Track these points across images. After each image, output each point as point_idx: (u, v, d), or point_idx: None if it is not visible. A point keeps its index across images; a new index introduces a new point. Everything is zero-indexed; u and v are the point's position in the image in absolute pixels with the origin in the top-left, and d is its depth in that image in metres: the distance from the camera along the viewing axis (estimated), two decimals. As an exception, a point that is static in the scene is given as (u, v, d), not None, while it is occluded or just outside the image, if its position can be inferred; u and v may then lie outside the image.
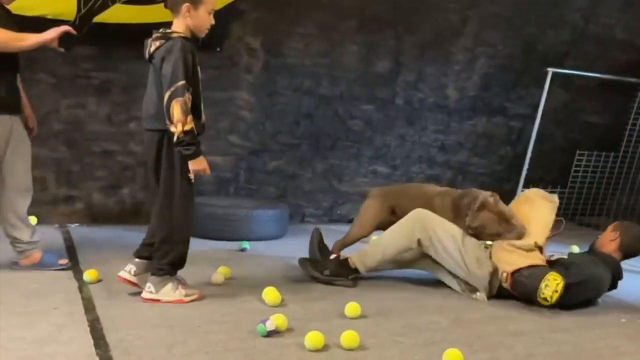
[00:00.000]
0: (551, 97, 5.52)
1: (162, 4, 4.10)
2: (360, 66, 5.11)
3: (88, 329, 2.52)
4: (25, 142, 3.32)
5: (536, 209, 3.55)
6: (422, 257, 3.48)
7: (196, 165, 2.83)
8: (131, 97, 4.56)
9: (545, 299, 3.16)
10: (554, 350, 2.67)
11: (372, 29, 4.97)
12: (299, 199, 5.33)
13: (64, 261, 3.42)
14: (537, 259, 3.31)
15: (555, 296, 3.14)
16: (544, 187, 5.76)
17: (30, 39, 3.06)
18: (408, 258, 3.50)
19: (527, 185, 5.63)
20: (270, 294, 3.04)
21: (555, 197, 3.65)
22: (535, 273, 3.21)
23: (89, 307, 2.80)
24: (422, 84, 5.39)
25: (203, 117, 2.94)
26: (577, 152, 5.93)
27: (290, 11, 4.70)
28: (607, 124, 6.12)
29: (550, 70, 5.39)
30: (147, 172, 3.05)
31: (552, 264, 3.38)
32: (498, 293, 3.37)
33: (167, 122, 2.76)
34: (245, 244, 4.22)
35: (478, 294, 3.36)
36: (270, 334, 2.57)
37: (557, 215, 3.56)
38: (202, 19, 2.89)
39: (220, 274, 3.37)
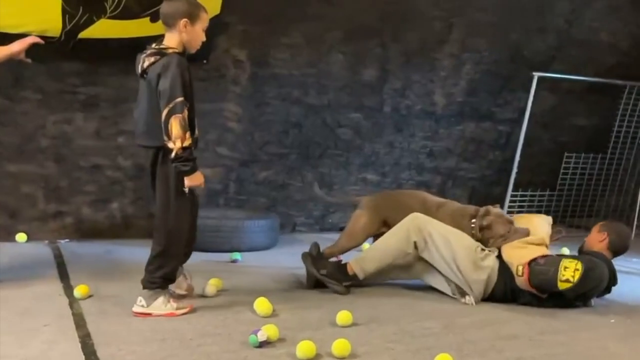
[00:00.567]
0: (538, 101, 5.56)
1: (146, 19, 4.14)
2: (348, 75, 5.13)
3: (79, 345, 2.51)
4: None
5: (532, 220, 3.67)
6: (418, 261, 3.49)
7: (192, 181, 2.86)
8: (118, 111, 4.56)
9: (567, 280, 3.16)
10: (545, 352, 2.69)
11: (358, 38, 5.00)
12: (290, 208, 5.34)
13: None
14: (547, 251, 3.39)
15: (577, 275, 3.15)
16: (533, 190, 5.86)
17: None
18: (405, 262, 3.51)
19: (516, 189, 5.67)
20: (262, 305, 3.04)
21: (549, 217, 3.79)
22: (551, 260, 3.26)
23: (80, 323, 2.79)
24: (409, 91, 5.42)
25: (197, 131, 2.96)
26: (565, 154, 5.97)
27: (276, 22, 4.72)
28: (594, 126, 6.17)
29: (536, 74, 5.43)
30: (148, 190, 3.07)
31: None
32: (490, 297, 3.38)
33: (165, 137, 2.77)
34: (237, 255, 4.22)
35: (467, 297, 3.38)
36: (262, 344, 2.58)
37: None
38: (196, 35, 2.94)
39: (212, 285, 3.36)
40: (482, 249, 3.44)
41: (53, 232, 4.57)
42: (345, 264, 3.53)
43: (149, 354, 2.44)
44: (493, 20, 5.28)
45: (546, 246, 3.46)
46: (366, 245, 3.99)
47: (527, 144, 5.62)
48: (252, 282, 3.63)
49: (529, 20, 5.41)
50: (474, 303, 3.35)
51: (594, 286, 3.32)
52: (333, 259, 3.66)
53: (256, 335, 2.57)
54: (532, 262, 3.27)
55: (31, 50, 3.27)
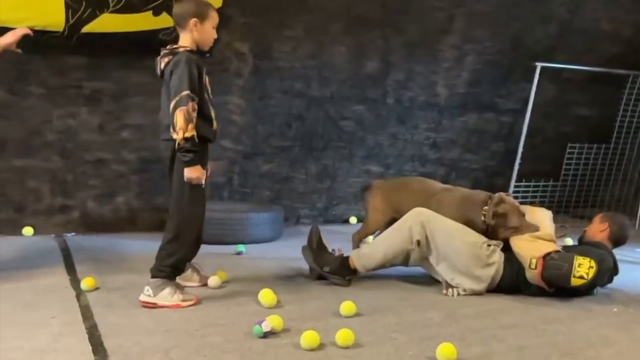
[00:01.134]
0: (541, 91, 5.56)
1: (149, 12, 4.17)
2: (350, 67, 5.15)
3: (86, 336, 2.54)
4: None
5: (535, 214, 3.60)
6: (421, 257, 3.51)
7: (191, 173, 2.92)
8: (122, 105, 4.59)
9: (581, 276, 3.17)
10: (546, 341, 2.71)
11: (360, 30, 5.01)
12: (293, 200, 5.36)
13: None
14: (556, 247, 3.38)
15: (592, 272, 3.17)
16: (537, 181, 5.87)
17: None
18: (406, 259, 3.55)
19: (519, 180, 5.68)
20: (266, 296, 3.06)
21: (548, 211, 3.74)
22: (564, 255, 3.26)
23: (86, 314, 2.82)
24: (411, 83, 5.43)
25: (215, 124, 3.08)
26: (569, 144, 5.97)
27: (277, 15, 4.73)
28: (598, 116, 6.17)
29: (539, 64, 5.43)
30: (166, 182, 3.16)
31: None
32: (496, 290, 3.40)
33: (171, 129, 2.89)
34: (241, 248, 4.25)
35: (450, 290, 3.38)
36: (266, 335, 2.60)
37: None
38: (207, 33, 3.06)
39: (216, 277, 3.40)
40: (488, 245, 3.41)
41: (59, 225, 4.61)
42: (347, 258, 3.55)
43: (154, 345, 2.47)
44: (494, 11, 5.28)
45: (554, 242, 3.43)
46: (370, 239, 4.03)
47: (530, 135, 5.63)
48: (256, 274, 3.65)
49: (531, 10, 5.40)
50: (455, 295, 3.36)
51: (601, 275, 3.33)
52: (335, 253, 3.67)
53: (260, 326, 2.60)
54: (546, 257, 3.25)
55: (35, 45, 3.32)
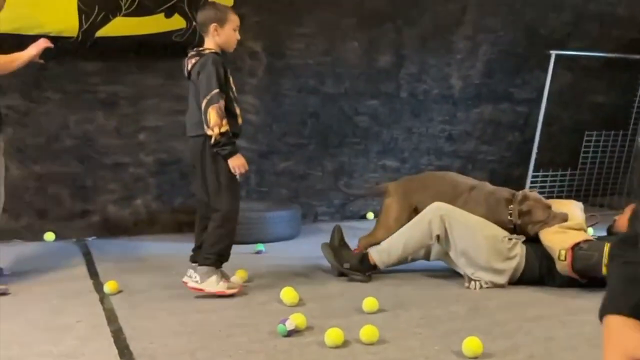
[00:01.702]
0: (556, 79, 5.51)
1: (161, 15, 4.19)
2: (363, 62, 5.13)
3: (112, 339, 2.56)
4: (1, 161, 3.41)
5: (564, 205, 3.59)
6: (442, 251, 3.50)
7: (234, 162, 3.12)
8: (138, 108, 4.61)
9: None
10: (574, 332, 2.69)
11: (372, 24, 5.00)
12: (311, 198, 5.36)
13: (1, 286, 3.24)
14: (587, 236, 3.34)
15: None
16: (554, 170, 5.82)
17: (20, 58, 3.29)
18: (427, 253, 3.55)
19: (537, 170, 5.64)
20: (288, 294, 3.07)
21: (579, 203, 3.71)
22: (595, 244, 3.20)
23: (111, 318, 2.84)
24: (425, 76, 5.40)
25: (240, 119, 3.25)
26: (586, 132, 5.91)
27: (289, 12, 4.73)
28: (614, 103, 6.10)
29: (553, 52, 5.38)
30: (195, 179, 3.34)
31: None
32: (518, 282, 3.38)
33: (205, 126, 3.07)
34: (260, 247, 4.26)
35: (473, 283, 3.36)
36: (290, 333, 2.61)
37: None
38: (228, 36, 3.22)
39: (237, 277, 3.41)
40: (510, 239, 3.39)
41: (80, 230, 4.64)
42: (367, 254, 3.54)
43: (180, 347, 2.49)
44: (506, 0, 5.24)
45: (585, 231, 3.40)
46: None
47: (547, 124, 5.59)
48: (277, 273, 3.66)
49: (544, -4, 5.36)
50: (477, 288, 3.33)
51: None
52: (356, 250, 3.66)
53: (284, 325, 2.60)
54: (575, 247, 3.20)
55: (50, 51, 3.38)
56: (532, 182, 5.61)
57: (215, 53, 3.15)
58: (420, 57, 5.29)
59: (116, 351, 2.44)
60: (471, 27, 5.29)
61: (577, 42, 5.62)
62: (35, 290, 3.27)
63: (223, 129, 3.05)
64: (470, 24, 5.27)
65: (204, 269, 3.14)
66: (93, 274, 3.60)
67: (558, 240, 3.28)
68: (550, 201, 3.73)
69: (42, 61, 3.41)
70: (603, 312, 1.22)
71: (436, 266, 3.67)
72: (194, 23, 4.31)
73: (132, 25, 4.13)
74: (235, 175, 3.16)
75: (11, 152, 4.11)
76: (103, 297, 3.15)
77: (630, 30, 5.76)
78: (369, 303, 2.96)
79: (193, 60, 3.15)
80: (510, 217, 3.44)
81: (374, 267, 3.52)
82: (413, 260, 3.56)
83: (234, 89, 3.23)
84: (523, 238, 3.43)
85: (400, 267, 3.64)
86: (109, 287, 3.21)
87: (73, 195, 4.59)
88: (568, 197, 5.79)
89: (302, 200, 5.27)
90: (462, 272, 3.45)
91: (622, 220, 3.55)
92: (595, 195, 6.11)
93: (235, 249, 4.13)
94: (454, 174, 3.89)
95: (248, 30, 4.67)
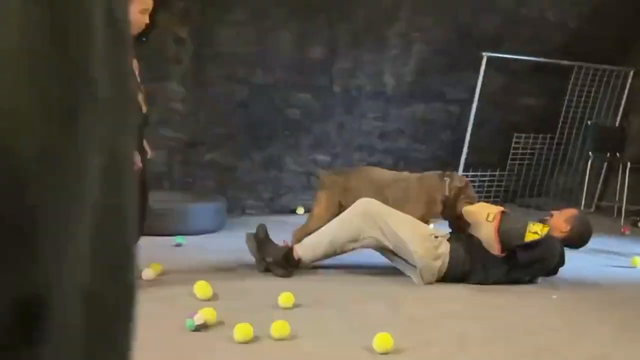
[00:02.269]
0: (488, 80, 5.56)
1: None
2: (295, 54, 5.03)
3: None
4: None
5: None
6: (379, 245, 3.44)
7: None
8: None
9: (536, 232, 3.23)
10: (486, 327, 2.66)
11: (305, 16, 4.90)
12: (238, 191, 5.23)
13: None
14: None
15: (545, 229, 3.25)
16: (484, 171, 5.87)
17: None
18: (355, 247, 3.47)
19: (467, 169, 5.67)
20: (201, 288, 2.93)
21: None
22: (520, 217, 3.39)
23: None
24: (358, 71, 5.35)
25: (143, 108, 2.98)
26: (515, 134, 5.99)
27: (219, -2, 4.59)
28: (544, 106, 6.20)
29: (485, 54, 5.42)
30: None
31: None
32: (441, 280, 3.35)
33: None
34: (181, 239, 4.10)
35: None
36: (198, 328, 2.48)
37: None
38: (133, 18, 2.86)
39: (151, 270, 3.24)
40: (436, 237, 3.38)
41: None
42: (292, 249, 3.44)
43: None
44: (441, -2, 5.24)
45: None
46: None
47: (477, 124, 5.62)
48: (195, 266, 3.51)
49: (476, -2, 5.39)
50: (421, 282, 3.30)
51: (548, 256, 3.34)
52: (281, 244, 3.55)
53: (192, 319, 2.47)
54: (504, 212, 3.35)
55: None
56: (461, 182, 5.64)
57: None
58: (354, 52, 5.23)
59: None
60: (405, 25, 5.26)
61: (509, 44, 5.68)
62: None
63: None
64: (404, 21, 5.24)
65: None
66: None
67: (485, 209, 3.41)
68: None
69: None
70: None
71: (361, 263, 3.60)
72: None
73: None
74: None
75: None
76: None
77: (560, 35, 5.86)
78: (285, 298, 2.85)
79: None
80: (447, 192, 3.52)
81: (298, 262, 3.42)
82: (342, 252, 3.47)
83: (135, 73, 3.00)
84: (448, 236, 3.41)
85: (325, 263, 3.55)
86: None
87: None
88: (496, 197, 5.87)
89: (229, 192, 5.13)
90: (406, 273, 3.40)
91: (554, 224, 3.52)
92: (523, 196, 6.20)
93: (155, 241, 4.02)
94: (376, 170, 3.89)
95: (174, 14, 4.52)
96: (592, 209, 5.96)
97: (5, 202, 0.37)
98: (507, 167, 6.03)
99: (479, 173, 5.83)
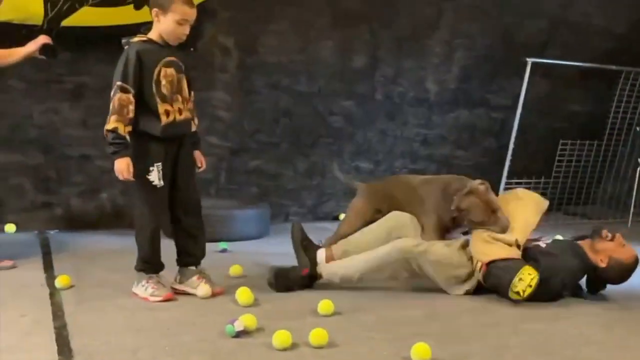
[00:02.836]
0: (532, 87, 5.49)
1: (130, 6, 4.11)
2: (338, 62, 5.09)
3: (54, 336, 2.49)
4: None
5: (523, 207, 3.43)
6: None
7: (116, 165, 2.88)
8: (105, 100, 4.45)
9: (517, 292, 3.04)
10: (526, 340, 2.65)
11: (348, 24, 4.96)
12: (282, 197, 5.30)
13: (7, 263, 3.47)
14: (514, 254, 3.19)
15: (529, 291, 3.03)
16: (528, 178, 5.80)
17: (17, 54, 3.38)
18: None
19: (510, 177, 5.61)
20: (243, 294, 3.01)
21: (545, 202, 3.54)
22: (510, 266, 3.10)
23: (57, 313, 2.77)
24: (401, 78, 5.37)
25: (164, 117, 2.92)
26: (561, 141, 5.90)
27: (262, 9, 4.68)
28: (590, 112, 6.10)
29: (530, 60, 5.36)
30: None
31: (529, 252, 3.27)
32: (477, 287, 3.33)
33: None
34: (224, 245, 4.19)
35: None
36: (239, 334, 2.55)
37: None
38: (168, 27, 2.90)
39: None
40: (463, 246, 3.33)
41: (42, 222, 4.55)
42: (316, 275, 3.34)
43: (122, 344, 2.42)
44: (484, 5, 5.22)
45: (518, 246, 3.24)
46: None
47: (522, 131, 5.56)
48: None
49: (521, 4, 5.34)
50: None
51: (553, 293, 3.18)
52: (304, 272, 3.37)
53: (233, 325, 2.54)
54: (490, 263, 3.13)
55: (14, 39, 3.40)
56: (505, 189, 5.58)
57: (146, 41, 2.91)
58: (396, 59, 5.26)
59: (56, 348, 2.37)
60: (448, 32, 5.26)
61: (554, 50, 5.61)
62: (-15, 282, 3.19)
63: (109, 126, 2.82)
64: (447, 28, 5.24)
65: (137, 273, 3.07)
66: (48, 267, 3.53)
67: (480, 251, 3.21)
68: (511, 192, 3.67)
69: (42, 57, 3.43)
70: None
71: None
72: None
73: (100, 16, 4.06)
74: (149, 180, 2.92)
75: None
76: (53, 292, 3.07)
77: (606, 40, 5.76)
78: (324, 305, 2.90)
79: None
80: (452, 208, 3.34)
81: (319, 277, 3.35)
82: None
83: (163, 82, 2.90)
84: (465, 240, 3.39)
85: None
86: (60, 281, 3.14)
87: (36, 187, 4.50)
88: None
89: (273, 199, 5.21)
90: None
91: (598, 246, 3.27)
92: (569, 204, 6.11)
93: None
94: (416, 177, 3.82)
95: (220, 25, 4.63)
96: (641, 217, 5.83)
97: None
98: (553, 175, 5.93)
99: (523, 180, 5.75)
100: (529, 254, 3.27)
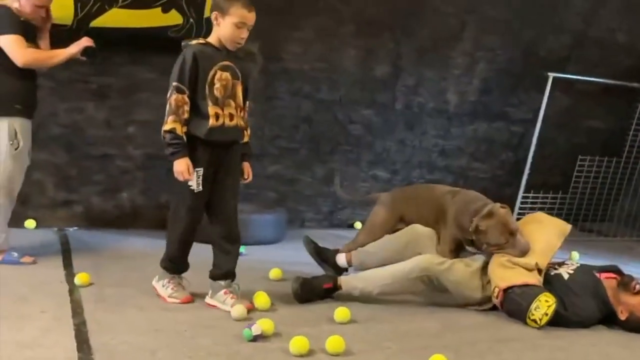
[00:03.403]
0: (552, 101, 5.49)
1: (158, 9, 4.16)
2: (359, 70, 5.11)
3: (73, 332, 2.53)
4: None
5: (544, 230, 3.39)
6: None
7: (175, 167, 2.85)
8: (129, 101, 4.58)
9: (534, 320, 2.99)
10: (544, 356, 2.65)
11: (371, 33, 4.98)
12: (299, 203, 5.32)
13: (28, 259, 3.51)
14: (534, 279, 3.13)
15: (545, 319, 2.98)
16: (545, 192, 5.79)
17: (61, 55, 3.48)
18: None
19: (528, 191, 5.60)
20: (260, 299, 3.03)
21: (568, 226, 3.49)
22: (528, 292, 3.04)
23: (77, 310, 2.80)
24: (421, 89, 5.38)
25: (212, 120, 2.87)
26: (579, 157, 5.88)
27: (288, 16, 4.71)
28: (610, 129, 6.08)
29: (551, 75, 5.36)
30: None
31: (551, 280, 3.20)
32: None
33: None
34: (242, 249, 4.20)
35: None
36: (256, 338, 2.57)
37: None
38: (227, 30, 2.86)
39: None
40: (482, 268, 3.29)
41: (62, 220, 4.60)
42: (337, 286, 3.30)
43: (141, 344, 2.45)
44: (507, 18, 5.23)
45: (540, 271, 3.18)
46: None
47: (541, 145, 5.56)
48: (254, 276, 3.60)
49: (544, 18, 5.33)
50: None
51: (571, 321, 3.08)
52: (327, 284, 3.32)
53: (250, 329, 2.57)
54: (508, 289, 3.08)
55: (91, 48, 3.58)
56: (522, 203, 5.58)
57: (204, 44, 2.89)
58: (418, 69, 5.27)
59: (75, 345, 2.40)
60: (470, 44, 5.27)
61: (576, 65, 5.60)
62: (6, 276, 3.22)
63: (167, 127, 2.81)
64: (469, 40, 5.25)
65: (160, 270, 3.09)
66: (67, 264, 3.56)
67: (499, 276, 3.14)
68: (532, 216, 3.63)
69: (84, 58, 3.53)
70: None
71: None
72: (190, 20, 4.29)
73: (128, 18, 4.10)
74: (188, 183, 2.89)
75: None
76: (72, 289, 3.11)
77: (629, 57, 5.74)
78: (341, 313, 2.92)
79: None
80: (471, 229, 3.27)
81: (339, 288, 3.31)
82: None
83: (217, 85, 2.86)
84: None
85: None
86: (79, 279, 3.18)
87: (57, 184, 4.56)
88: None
89: (290, 205, 5.23)
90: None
91: (616, 298, 3.12)
92: (585, 221, 6.08)
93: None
94: (442, 186, 3.80)
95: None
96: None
97: None
98: (570, 190, 5.92)
99: (540, 195, 5.75)
100: (551, 288, 3.15)
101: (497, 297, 3.12)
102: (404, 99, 5.36)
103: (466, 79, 5.46)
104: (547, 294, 3.03)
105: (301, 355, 2.45)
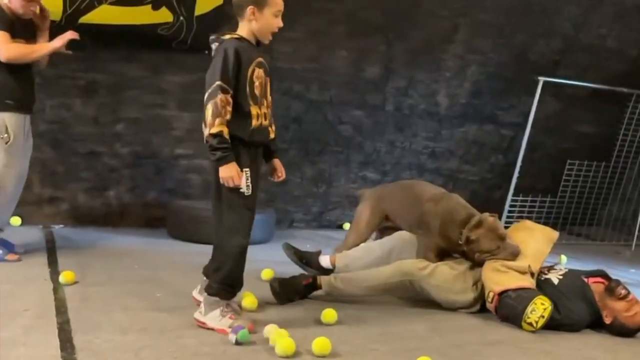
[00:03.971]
0: (542, 105, 5.50)
1: (148, 6, 4.13)
2: (350, 71, 5.10)
3: (57, 331, 2.49)
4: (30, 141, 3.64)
5: (533, 237, 3.42)
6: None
7: (223, 173, 2.60)
8: (117, 98, 4.54)
9: (530, 323, 2.99)
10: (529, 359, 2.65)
11: (363, 35, 4.96)
12: (288, 204, 5.30)
13: (13, 257, 3.48)
14: (527, 282, 3.14)
15: (541, 322, 2.98)
16: (534, 196, 5.79)
17: (44, 49, 3.46)
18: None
19: (517, 194, 5.61)
20: (247, 299, 3.01)
21: (555, 233, 3.51)
22: (523, 295, 3.04)
23: (61, 309, 2.77)
24: (412, 91, 5.37)
25: (254, 121, 2.68)
26: (568, 161, 5.90)
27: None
28: (599, 133, 6.10)
29: (542, 79, 5.37)
30: None
31: (542, 285, 3.20)
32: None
33: (202, 124, 2.63)
34: (229, 248, 4.18)
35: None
36: (241, 343, 2.53)
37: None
38: (267, 22, 2.70)
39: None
40: (470, 268, 3.30)
41: (48, 217, 4.56)
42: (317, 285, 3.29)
43: (125, 344, 2.42)
44: (499, 22, 5.23)
45: (532, 274, 3.19)
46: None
47: (530, 149, 5.57)
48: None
49: (535, 23, 5.34)
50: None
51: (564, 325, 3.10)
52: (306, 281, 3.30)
53: (237, 334, 2.53)
54: (503, 293, 3.08)
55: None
56: (511, 206, 5.59)
57: (239, 39, 2.68)
58: (409, 71, 5.26)
59: (58, 343, 2.36)
60: (461, 47, 5.27)
61: (566, 70, 5.62)
62: (-11, 274, 3.19)
63: (214, 130, 2.54)
64: (461, 43, 5.25)
65: (209, 298, 2.70)
66: (52, 262, 3.53)
67: (494, 280, 3.14)
68: (520, 223, 3.65)
69: (69, 52, 3.51)
70: None
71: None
72: (180, 18, 4.26)
73: (118, 15, 4.07)
74: (239, 187, 2.65)
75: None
76: (57, 287, 3.07)
77: (618, 62, 5.76)
78: (328, 314, 2.90)
79: (213, 47, 2.70)
80: (460, 241, 3.29)
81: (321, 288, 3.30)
82: None
83: (256, 83, 2.67)
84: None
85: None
86: (64, 277, 3.14)
87: (43, 181, 4.51)
88: (546, 223, 5.74)
89: (279, 205, 5.21)
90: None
91: (626, 316, 3.09)
92: (573, 224, 6.10)
93: (204, 249, 4.10)
94: (425, 184, 3.81)
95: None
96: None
97: None
98: (559, 194, 5.94)
99: (529, 198, 5.76)
100: (544, 293, 3.13)
101: (492, 302, 3.11)
102: (395, 100, 5.36)
103: (457, 81, 5.46)
104: (543, 297, 3.03)
105: (287, 357, 2.43)
